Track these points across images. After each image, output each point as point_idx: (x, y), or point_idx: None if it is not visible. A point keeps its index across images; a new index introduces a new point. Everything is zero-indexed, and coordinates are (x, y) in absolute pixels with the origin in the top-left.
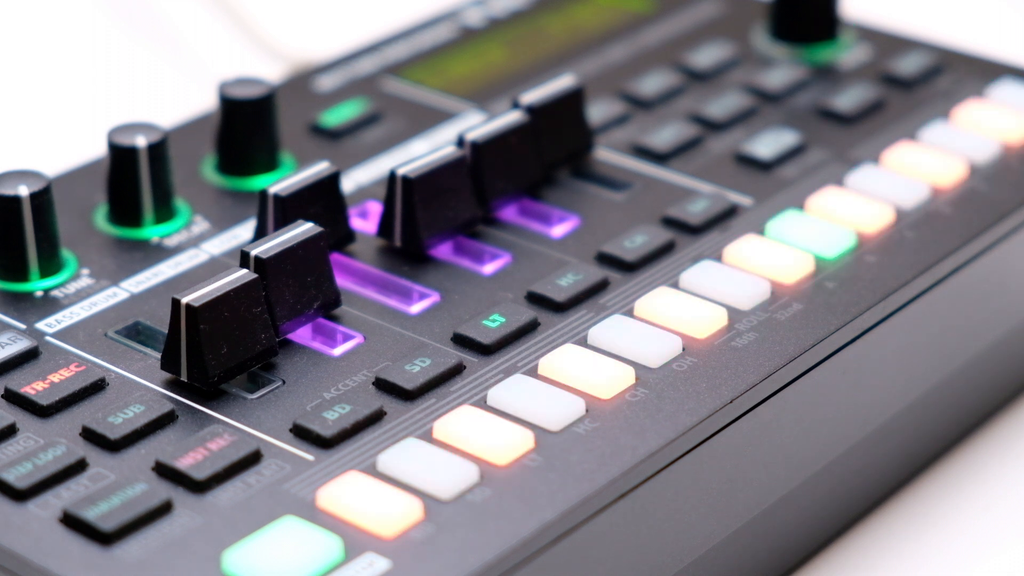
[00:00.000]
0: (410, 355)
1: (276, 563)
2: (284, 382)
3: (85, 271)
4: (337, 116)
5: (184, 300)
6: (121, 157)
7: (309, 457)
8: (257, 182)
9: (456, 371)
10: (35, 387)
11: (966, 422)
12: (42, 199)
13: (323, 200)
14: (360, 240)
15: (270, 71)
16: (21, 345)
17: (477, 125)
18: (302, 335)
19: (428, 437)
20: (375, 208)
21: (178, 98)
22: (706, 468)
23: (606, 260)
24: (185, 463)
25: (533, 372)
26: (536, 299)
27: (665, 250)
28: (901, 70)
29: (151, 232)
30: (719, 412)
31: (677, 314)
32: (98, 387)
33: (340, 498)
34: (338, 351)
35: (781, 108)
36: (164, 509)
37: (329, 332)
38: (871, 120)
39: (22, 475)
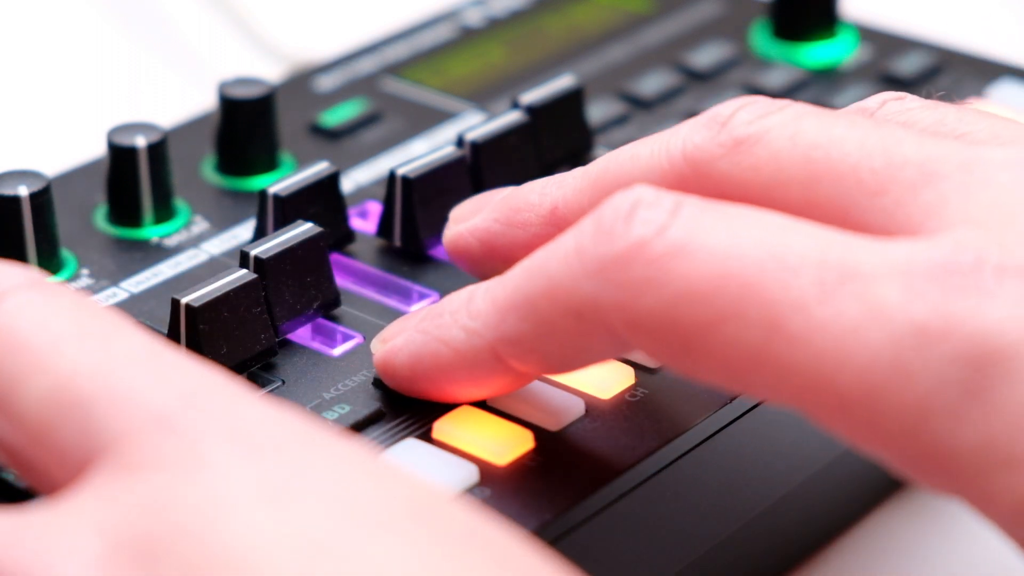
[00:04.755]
0: None
1: None
2: (284, 382)
3: (85, 271)
4: (337, 116)
5: (184, 300)
6: (121, 157)
7: None
8: (257, 182)
9: None
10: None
11: None
12: (42, 199)
13: (323, 200)
14: (360, 240)
15: (270, 71)
16: None
17: (477, 125)
18: (302, 335)
19: (427, 437)
20: (375, 208)
21: (178, 98)
22: (706, 468)
23: None
24: None
25: None
26: None
27: None
28: (901, 70)
29: (151, 232)
30: (719, 412)
31: None
32: None
33: None
34: (338, 351)
35: None
36: None
37: (329, 332)
38: None
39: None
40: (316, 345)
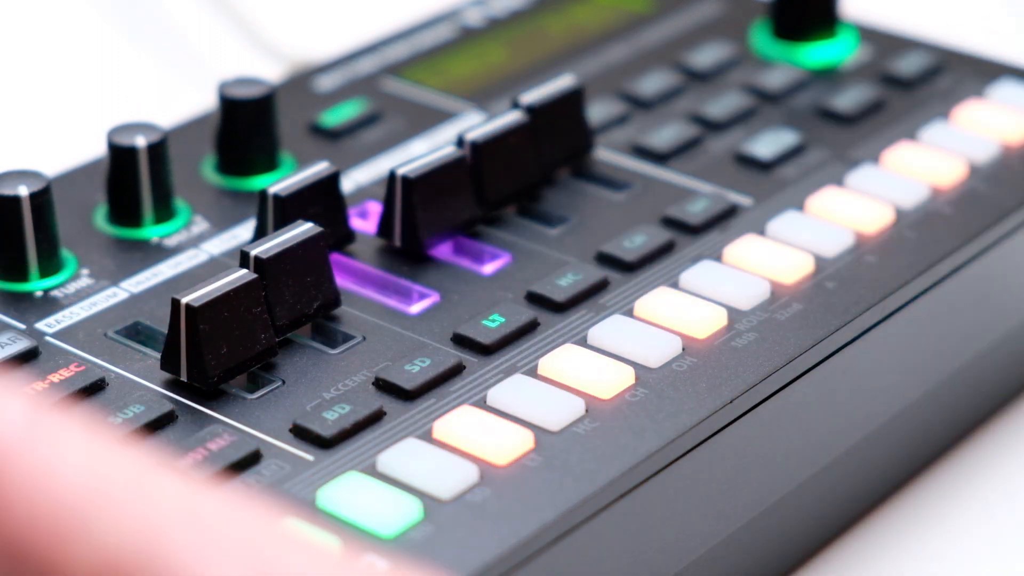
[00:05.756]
0: (410, 355)
1: None
2: (284, 382)
3: (85, 271)
4: (337, 116)
5: (184, 300)
6: (121, 157)
7: (309, 457)
8: (257, 182)
9: (456, 371)
10: (35, 387)
11: (966, 422)
12: (42, 199)
13: (323, 200)
14: (360, 240)
15: (270, 71)
16: (21, 345)
17: (477, 125)
18: (301, 335)
19: (428, 437)
20: (375, 208)
21: (178, 98)
22: (706, 468)
23: (606, 260)
24: (185, 463)
25: (533, 372)
26: (536, 299)
27: (665, 250)
28: (901, 70)
29: (151, 232)
30: (719, 412)
31: (677, 314)
32: (98, 387)
33: (339, 499)
34: (338, 351)
35: (781, 108)
36: None
37: (329, 332)
38: (871, 120)
39: None
40: (316, 345)
